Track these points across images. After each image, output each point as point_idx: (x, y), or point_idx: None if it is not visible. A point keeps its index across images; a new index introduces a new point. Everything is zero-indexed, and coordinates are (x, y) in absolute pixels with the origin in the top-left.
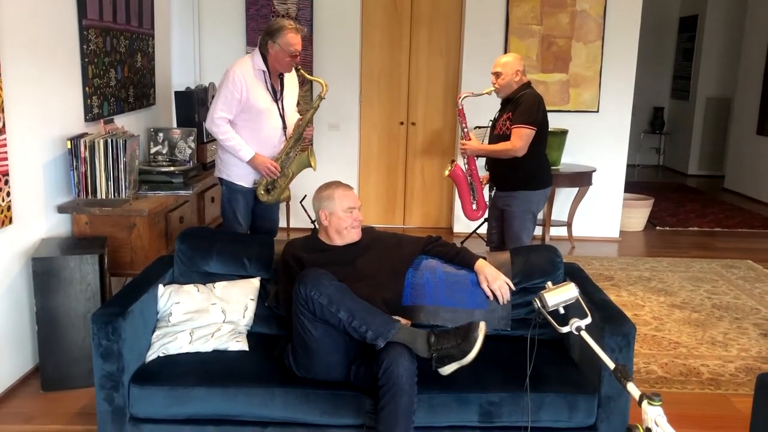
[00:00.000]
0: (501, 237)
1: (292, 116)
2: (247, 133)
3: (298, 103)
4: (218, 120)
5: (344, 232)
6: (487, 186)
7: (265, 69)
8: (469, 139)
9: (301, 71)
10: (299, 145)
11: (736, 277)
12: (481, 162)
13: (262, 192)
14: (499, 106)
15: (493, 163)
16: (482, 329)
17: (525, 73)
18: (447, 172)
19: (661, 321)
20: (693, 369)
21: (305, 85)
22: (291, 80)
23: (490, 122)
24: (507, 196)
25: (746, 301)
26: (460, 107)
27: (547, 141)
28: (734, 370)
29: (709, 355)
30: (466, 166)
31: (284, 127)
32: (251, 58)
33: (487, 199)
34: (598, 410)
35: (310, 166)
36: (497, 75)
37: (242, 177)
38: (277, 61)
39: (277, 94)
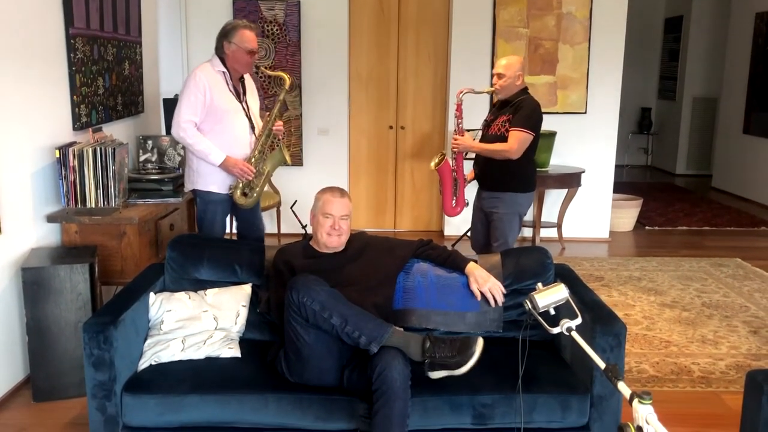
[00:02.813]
0: (486, 239)
1: (258, 118)
2: (215, 136)
3: (287, 108)
4: (185, 124)
5: (319, 237)
6: (468, 184)
7: (225, 70)
8: (463, 135)
9: (262, 69)
10: (269, 142)
11: (725, 276)
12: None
13: (239, 195)
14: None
15: (483, 162)
16: (479, 346)
17: (524, 78)
18: (434, 165)
19: (651, 320)
20: (684, 367)
21: (294, 89)
22: (251, 83)
23: (484, 122)
24: (494, 197)
25: (735, 299)
26: (459, 102)
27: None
28: (725, 367)
29: (700, 353)
30: (454, 162)
31: (252, 127)
32: (210, 63)
33: (466, 197)
34: (591, 410)
35: (285, 161)
36: (500, 76)
37: (217, 183)
38: (236, 61)
39: (240, 95)
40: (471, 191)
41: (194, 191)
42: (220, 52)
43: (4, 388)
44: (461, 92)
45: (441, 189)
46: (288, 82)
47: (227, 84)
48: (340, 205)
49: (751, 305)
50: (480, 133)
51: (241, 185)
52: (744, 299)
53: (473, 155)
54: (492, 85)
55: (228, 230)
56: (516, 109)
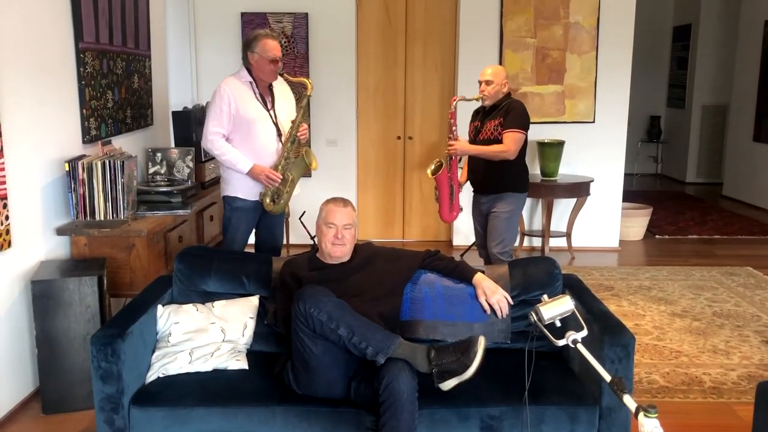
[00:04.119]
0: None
1: (288, 124)
2: (243, 145)
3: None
4: (212, 136)
5: (323, 246)
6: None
7: (252, 80)
8: (457, 139)
9: (285, 75)
10: (295, 148)
11: (736, 285)
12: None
13: (268, 201)
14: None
15: (481, 168)
16: (481, 344)
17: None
18: (431, 173)
19: (662, 330)
20: (695, 378)
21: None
22: (283, 90)
23: (474, 129)
24: (494, 199)
25: (747, 309)
26: (453, 109)
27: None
28: (736, 378)
29: (711, 363)
30: (449, 168)
31: (279, 134)
32: (237, 74)
33: (461, 201)
34: (600, 422)
35: (311, 167)
36: (488, 83)
37: (244, 190)
38: (260, 70)
39: (267, 104)
40: (463, 197)
41: (224, 198)
42: (245, 62)
43: (14, 401)
44: (454, 100)
45: (438, 196)
46: (310, 87)
47: (254, 93)
48: (342, 214)
49: (763, 315)
50: (472, 135)
51: (269, 192)
52: (756, 308)
53: (461, 162)
54: (480, 92)
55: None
56: (506, 111)
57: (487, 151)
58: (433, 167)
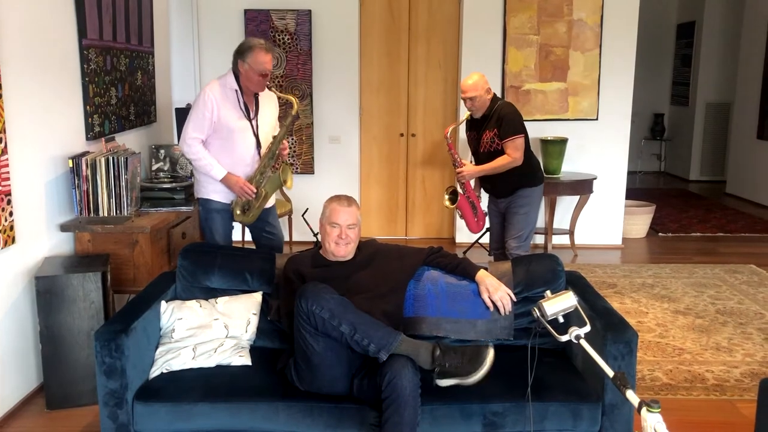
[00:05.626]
0: (503, 239)
1: (270, 135)
2: (220, 152)
3: (298, 117)
4: (190, 140)
5: (326, 245)
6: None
7: (237, 88)
8: (463, 165)
9: (273, 90)
10: (273, 164)
11: (739, 282)
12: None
13: (239, 212)
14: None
15: (493, 177)
16: (490, 356)
17: (489, 87)
18: (450, 204)
19: (665, 327)
20: (698, 375)
21: (305, 101)
22: (269, 100)
23: (473, 142)
24: (511, 198)
25: (750, 306)
26: (450, 141)
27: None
28: (739, 375)
29: (714, 360)
30: (464, 189)
31: (258, 146)
32: (224, 78)
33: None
34: (602, 418)
35: (285, 184)
36: (472, 99)
37: (218, 192)
38: (248, 80)
39: (250, 113)
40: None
41: (198, 200)
42: (235, 68)
43: (18, 396)
44: (447, 131)
45: (462, 215)
46: (295, 107)
47: (238, 102)
48: (346, 214)
49: (766, 312)
50: (474, 148)
51: (240, 203)
52: (759, 306)
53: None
54: (468, 109)
55: (241, 239)
56: (498, 120)
57: (494, 167)
58: (448, 197)
